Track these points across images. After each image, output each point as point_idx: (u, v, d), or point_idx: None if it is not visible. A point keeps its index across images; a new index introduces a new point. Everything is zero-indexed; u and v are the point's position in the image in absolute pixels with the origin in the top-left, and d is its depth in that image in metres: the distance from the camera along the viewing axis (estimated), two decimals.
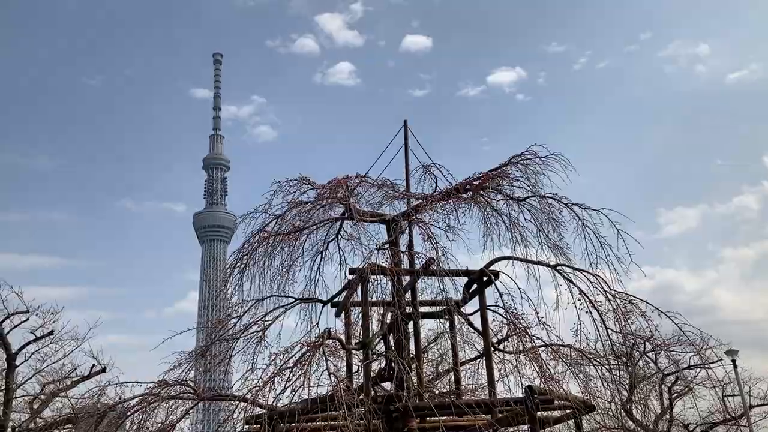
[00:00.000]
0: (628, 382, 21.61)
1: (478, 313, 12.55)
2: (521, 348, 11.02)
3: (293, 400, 9.55)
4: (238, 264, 12.30)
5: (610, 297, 10.98)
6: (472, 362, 14.76)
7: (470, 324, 12.81)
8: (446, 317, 12.67)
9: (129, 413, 10.77)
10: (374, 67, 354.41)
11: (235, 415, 10.36)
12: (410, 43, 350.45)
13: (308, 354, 9.77)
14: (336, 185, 11.87)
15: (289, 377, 9.73)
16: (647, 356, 24.66)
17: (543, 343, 11.83)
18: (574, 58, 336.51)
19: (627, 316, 10.82)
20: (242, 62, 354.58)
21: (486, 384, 14.84)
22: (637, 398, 25.20)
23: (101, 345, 38.87)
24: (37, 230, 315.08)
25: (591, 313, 11.05)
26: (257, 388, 10.05)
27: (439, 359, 16.69)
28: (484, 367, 13.53)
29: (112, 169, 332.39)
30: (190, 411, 11.10)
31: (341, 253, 14.00)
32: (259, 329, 11.60)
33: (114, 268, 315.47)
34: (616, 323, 10.79)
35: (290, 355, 9.87)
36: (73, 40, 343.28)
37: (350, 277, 12.32)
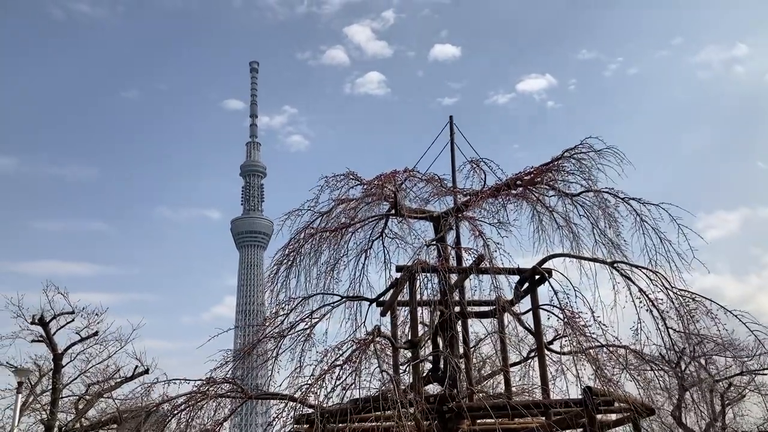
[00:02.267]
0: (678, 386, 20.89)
1: (530, 312, 12.15)
2: (577, 347, 10.58)
3: (343, 399, 9.32)
4: (285, 260, 12.12)
5: (671, 295, 10.49)
6: (520, 364, 14.37)
7: (521, 323, 12.40)
8: (496, 316, 12.29)
9: (176, 411, 10.61)
10: (403, 77, 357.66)
11: (284, 414, 10.14)
12: (439, 53, 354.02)
13: (358, 352, 9.52)
14: (384, 180, 11.61)
15: (339, 375, 9.49)
16: (698, 361, 23.87)
17: (599, 344, 11.38)
18: (605, 65, 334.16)
19: (691, 314, 10.30)
20: (273, 74, 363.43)
21: (532, 386, 14.46)
22: (686, 404, 24.36)
23: (144, 347, 39.17)
24: (77, 239, 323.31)
25: (651, 311, 10.58)
26: (307, 385, 9.84)
27: (485, 360, 16.25)
28: (533, 368, 13.15)
29: (148, 179, 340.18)
30: (237, 410, 10.95)
31: (386, 251, 13.79)
32: (306, 327, 11.38)
33: (151, 275, 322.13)
34: (679, 322, 10.29)
35: (340, 353, 9.63)
36: (110, 55, 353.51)
37: (397, 275, 12.06)
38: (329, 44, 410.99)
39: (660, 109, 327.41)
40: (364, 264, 13.42)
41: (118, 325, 25.56)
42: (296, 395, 10.38)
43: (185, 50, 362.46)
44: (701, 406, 24.23)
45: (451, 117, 14.61)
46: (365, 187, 11.91)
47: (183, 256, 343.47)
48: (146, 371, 24.87)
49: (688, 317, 10.29)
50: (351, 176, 11.92)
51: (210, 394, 10.55)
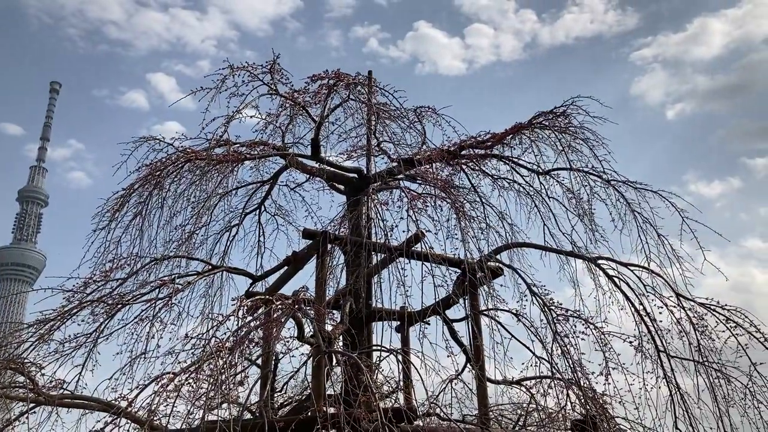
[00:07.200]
0: None
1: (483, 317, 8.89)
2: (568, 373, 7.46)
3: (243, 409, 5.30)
4: (132, 196, 7.78)
5: (677, 305, 7.88)
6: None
7: (453, 334, 9.05)
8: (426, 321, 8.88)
9: None
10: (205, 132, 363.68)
11: None
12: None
13: (275, 324, 5.58)
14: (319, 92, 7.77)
15: (229, 362, 5.47)
16: None
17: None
18: None
19: (701, 331, 7.67)
20: (63, 104, 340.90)
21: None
22: None
23: None
24: None
25: (647, 324, 7.87)
26: (164, 383, 5.62)
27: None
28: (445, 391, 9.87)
29: None
30: (26, 415, 6.17)
31: (261, 230, 10.17)
32: (164, 296, 7.01)
33: None
34: (694, 342, 7.59)
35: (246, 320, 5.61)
36: None
37: (306, 242, 8.32)
38: (131, 87, 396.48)
39: None
40: (227, 245, 9.62)
41: None
42: (133, 410, 6.07)
43: None
44: None
45: (370, 72, 11.36)
46: (282, 102, 8.04)
47: None
48: None
49: (700, 335, 7.68)
50: (269, 70, 7.83)
51: None
